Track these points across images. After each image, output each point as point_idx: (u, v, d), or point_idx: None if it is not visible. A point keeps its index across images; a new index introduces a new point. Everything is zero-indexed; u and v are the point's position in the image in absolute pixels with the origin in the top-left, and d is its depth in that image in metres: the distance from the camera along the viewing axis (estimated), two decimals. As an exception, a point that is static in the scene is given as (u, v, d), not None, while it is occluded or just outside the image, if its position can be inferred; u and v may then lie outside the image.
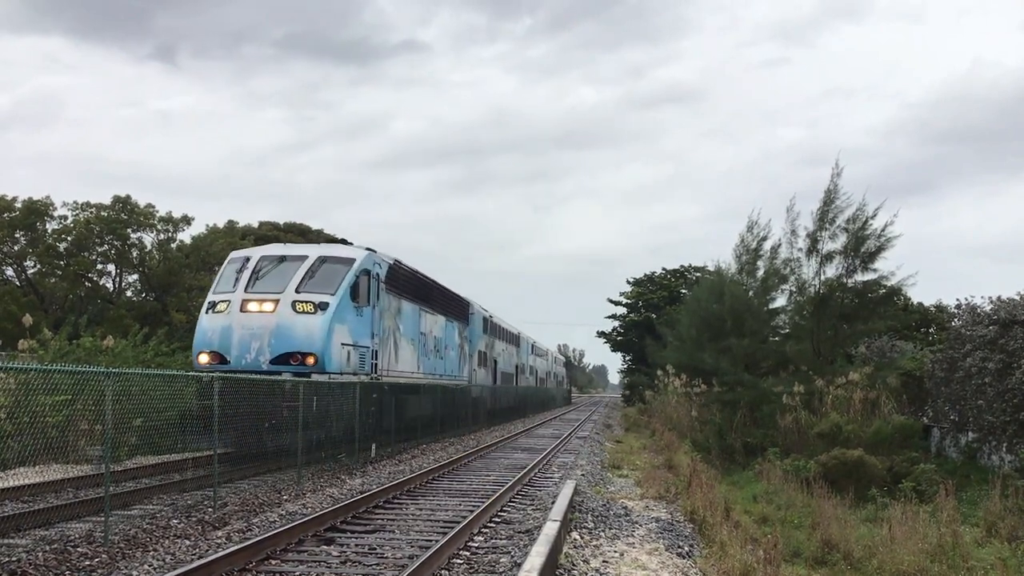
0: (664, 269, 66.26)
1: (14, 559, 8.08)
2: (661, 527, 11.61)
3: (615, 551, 9.72)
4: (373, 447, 19.55)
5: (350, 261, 19.24)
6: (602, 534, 10.76)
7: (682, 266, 64.83)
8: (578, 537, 10.36)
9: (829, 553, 12.33)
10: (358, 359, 19.27)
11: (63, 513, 10.63)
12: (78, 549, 8.69)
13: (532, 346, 60.05)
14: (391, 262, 22.00)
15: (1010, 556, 11.90)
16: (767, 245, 32.08)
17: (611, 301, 70.33)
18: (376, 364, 20.52)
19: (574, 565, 8.80)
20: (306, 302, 17.81)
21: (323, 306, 17.83)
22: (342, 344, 18.31)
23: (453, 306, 30.68)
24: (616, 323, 70.75)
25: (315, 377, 17.02)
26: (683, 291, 58.82)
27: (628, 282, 68.52)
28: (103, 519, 9.23)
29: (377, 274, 20.54)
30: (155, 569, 8.21)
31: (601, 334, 73.46)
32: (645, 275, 67.59)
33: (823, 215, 27.29)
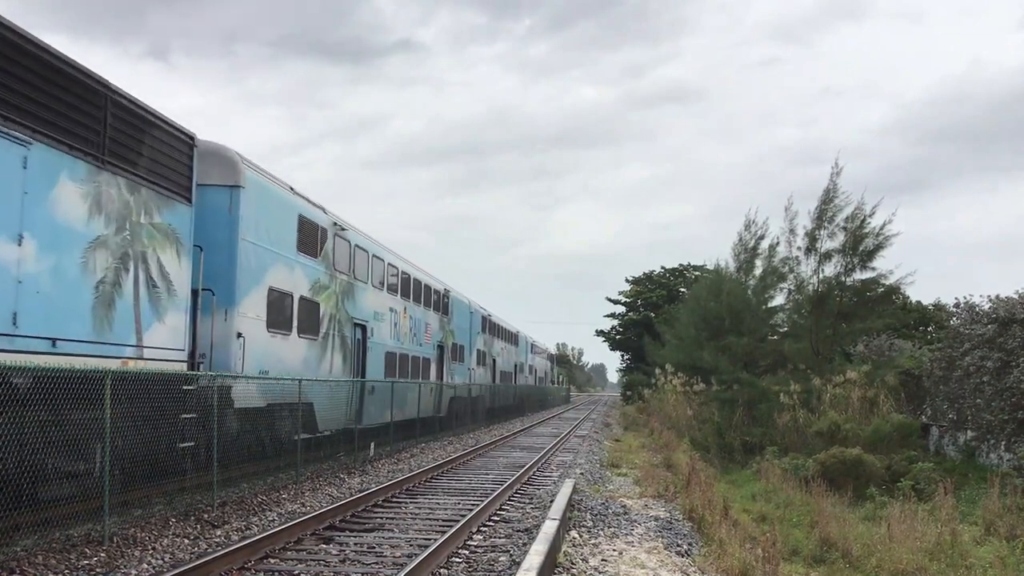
0: (663, 268, 66.47)
1: (13, 559, 8.07)
2: (660, 525, 11.62)
3: (614, 549, 9.72)
4: (372, 446, 19.55)
5: None
6: (601, 532, 10.77)
7: (681, 265, 65.05)
8: (577, 536, 10.37)
9: (828, 551, 12.35)
10: None
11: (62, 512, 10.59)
12: (77, 548, 8.69)
13: (486, 321, 39.38)
14: None
15: (1008, 554, 11.91)
16: (764, 244, 32.23)
17: (610, 300, 70.54)
18: None
19: (573, 564, 8.80)
20: None
21: None
22: None
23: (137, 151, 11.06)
24: (615, 322, 70.86)
25: None
26: (682, 290, 58.93)
27: (627, 281, 68.70)
28: (102, 518, 9.21)
29: None
30: (154, 568, 8.22)
31: (600, 333, 73.56)
32: (644, 274, 67.76)
33: (822, 213, 27.32)
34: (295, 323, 16.38)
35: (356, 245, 20.21)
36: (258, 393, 13.87)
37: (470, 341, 35.45)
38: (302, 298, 16.74)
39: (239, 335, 14.00)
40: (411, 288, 25.63)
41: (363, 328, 20.59)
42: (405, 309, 24.80)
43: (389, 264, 23.23)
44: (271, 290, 15.32)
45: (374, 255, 21.80)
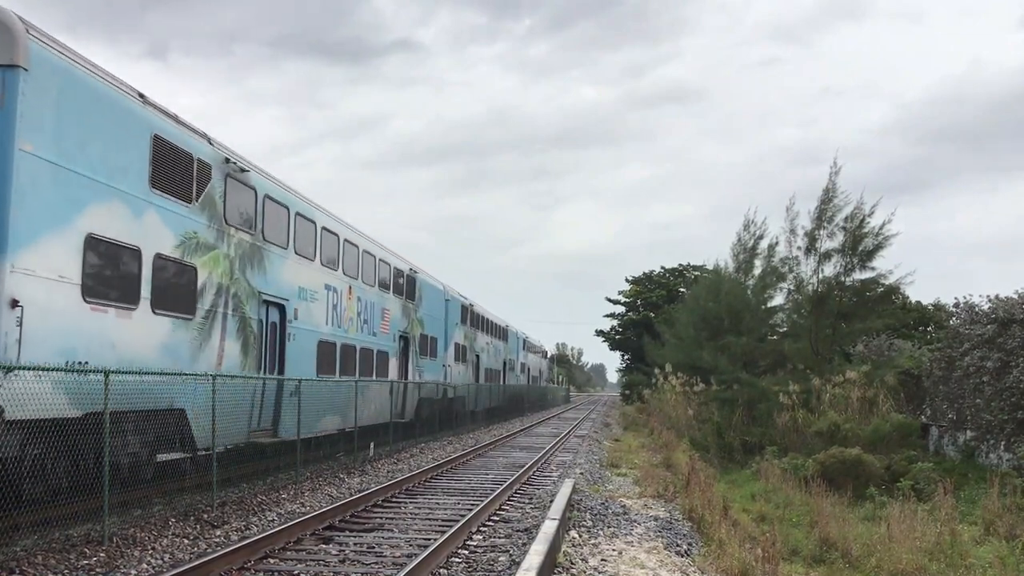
0: (663, 268, 66.50)
1: (13, 559, 8.07)
2: (660, 525, 11.62)
3: (614, 549, 9.72)
4: (371, 446, 19.56)
5: None
6: (601, 532, 10.77)
7: (681, 265, 65.05)
8: (576, 535, 10.37)
9: (827, 551, 12.35)
10: None
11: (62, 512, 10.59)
12: (77, 548, 8.69)
13: (466, 311, 34.86)
14: None
15: (1008, 554, 11.92)
16: (764, 243, 32.25)
17: (610, 300, 70.55)
18: None
19: (572, 563, 8.81)
20: None
21: None
22: None
23: None
24: (615, 322, 70.86)
25: None
26: (682, 290, 58.92)
27: (627, 280, 68.70)
28: (102, 518, 9.21)
29: None
30: (154, 568, 8.22)
31: (600, 333, 73.55)
32: (644, 274, 67.77)
33: (821, 213, 27.33)
34: (146, 293, 11.23)
35: (267, 195, 15.02)
36: (66, 396, 9.25)
37: (445, 333, 30.15)
38: (161, 257, 11.62)
39: (15, 303, 8.90)
40: (360, 263, 20.46)
41: (281, 308, 15.71)
42: (351, 288, 19.57)
43: (324, 228, 17.93)
44: (92, 239, 10.22)
45: (299, 213, 16.51)
